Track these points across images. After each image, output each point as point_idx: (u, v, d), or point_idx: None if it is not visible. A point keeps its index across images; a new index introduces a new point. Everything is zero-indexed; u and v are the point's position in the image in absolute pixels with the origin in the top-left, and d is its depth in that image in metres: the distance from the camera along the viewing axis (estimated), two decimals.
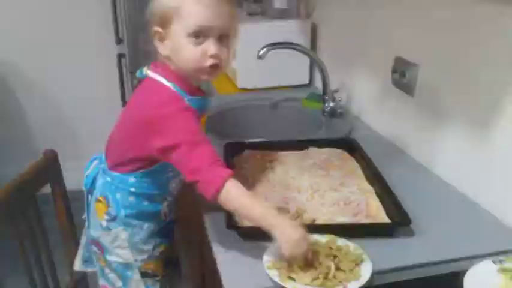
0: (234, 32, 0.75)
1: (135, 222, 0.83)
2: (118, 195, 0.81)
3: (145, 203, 0.82)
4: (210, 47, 0.71)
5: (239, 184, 0.68)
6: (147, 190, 0.81)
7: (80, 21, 2.11)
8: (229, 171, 0.68)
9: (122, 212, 0.82)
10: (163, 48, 0.74)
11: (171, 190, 0.85)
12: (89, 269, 0.95)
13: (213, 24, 0.70)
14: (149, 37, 0.76)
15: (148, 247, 0.85)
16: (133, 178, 0.80)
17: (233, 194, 0.67)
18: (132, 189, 0.81)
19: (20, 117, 2.23)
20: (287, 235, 0.63)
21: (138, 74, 0.79)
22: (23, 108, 2.23)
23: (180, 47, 0.72)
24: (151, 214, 0.84)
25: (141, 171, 0.79)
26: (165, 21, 0.72)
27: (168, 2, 0.71)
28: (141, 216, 0.83)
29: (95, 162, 0.87)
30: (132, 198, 0.81)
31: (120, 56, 2.03)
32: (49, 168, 1.02)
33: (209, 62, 0.72)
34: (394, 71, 1.05)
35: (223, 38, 0.73)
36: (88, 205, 0.87)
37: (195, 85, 0.78)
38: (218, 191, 0.66)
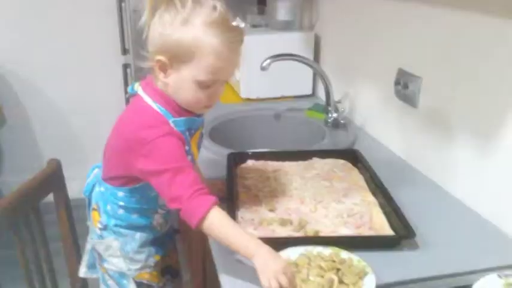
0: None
1: (125, 232, 0.83)
2: (108, 207, 0.82)
3: (134, 216, 0.82)
4: (215, 93, 0.73)
5: (222, 212, 0.67)
6: (136, 205, 0.81)
7: (87, 32, 2.14)
8: (212, 199, 0.67)
9: (112, 222, 0.82)
10: (163, 76, 0.72)
11: (161, 204, 0.83)
12: (94, 275, 0.94)
13: (226, 75, 0.72)
14: (148, 55, 0.73)
15: (141, 257, 0.84)
16: (122, 192, 0.80)
17: (216, 223, 0.66)
18: (121, 203, 0.81)
19: (25, 126, 2.25)
20: (267, 265, 0.61)
21: (129, 89, 0.78)
22: (28, 117, 2.25)
23: (185, 87, 0.71)
24: (142, 226, 0.84)
25: (129, 186, 0.79)
26: (176, 58, 0.69)
27: (187, 41, 0.67)
28: (132, 227, 0.83)
29: (96, 170, 0.88)
30: (121, 211, 0.82)
31: (126, 67, 2.05)
32: (52, 177, 1.02)
33: (208, 103, 0.74)
34: (396, 83, 1.05)
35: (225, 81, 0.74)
36: (89, 212, 0.88)
37: (183, 106, 0.76)
38: (201, 220, 0.65)
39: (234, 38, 0.69)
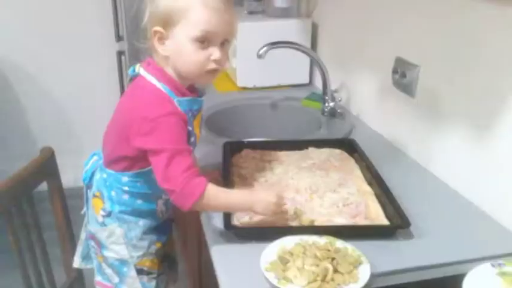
0: (233, 37, 0.76)
1: (130, 218, 0.83)
2: (113, 193, 0.82)
3: (139, 201, 0.83)
4: (215, 52, 0.72)
5: (213, 186, 0.71)
6: (140, 189, 0.81)
7: (81, 18, 2.10)
8: (203, 179, 0.70)
9: (116, 209, 0.82)
10: (163, 49, 0.73)
11: None
12: (88, 266, 0.95)
13: (219, 30, 0.71)
14: (147, 36, 0.75)
15: (144, 244, 0.85)
16: (126, 177, 0.80)
17: (211, 198, 0.70)
18: (125, 188, 0.81)
19: (18, 113, 2.22)
20: (266, 202, 0.72)
21: (130, 71, 0.78)
22: (21, 104, 2.22)
23: (184, 50, 0.71)
24: (146, 212, 0.84)
25: (133, 171, 0.79)
26: (168, 23, 0.71)
27: (174, 3, 0.70)
28: (136, 213, 0.83)
29: (95, 158, 0.87)
30: (125, 197, 0.82)
31: (120, 54, 2.03)
32: (46, 165, 1.01)
33: (211, 66, 0.73)
34: (394, 72, 1.04)
35: (224, 43, 0.74)
36: (87, 200, 0.88)
37: (186, 86, 0.77)
38: (197, 200, 0.69)
39: None
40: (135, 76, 0.77)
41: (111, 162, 0.81)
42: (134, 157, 0.77)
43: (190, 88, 0.79)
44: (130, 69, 0.78)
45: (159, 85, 0.74)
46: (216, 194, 0.71)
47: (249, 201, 0.72)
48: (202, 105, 0.81)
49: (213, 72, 0.74)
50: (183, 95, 0.75)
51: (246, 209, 0.73)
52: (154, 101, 0.72)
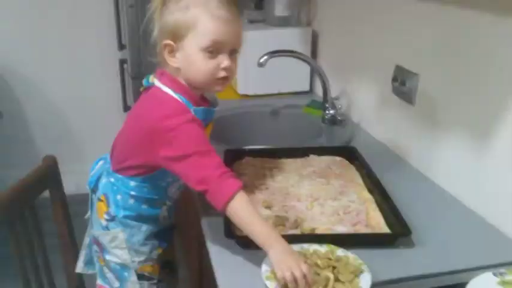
0: (240, 47, 0.78)
1: (133, 223, 0.84)
2: (118, 197, 0.83)
3: (144, 206, 0.84)
4: (224, 60, 0.74)
5: (247, 198, 0.69)
6: (147, 194, 0.83)
7: (84, 27, 2.12)
8: (239, 182, 0.69)
9: (121, 213, 0.83)
10: (174, 61, 0.76)
11: (170, 195, 0.86)
12: (90, 272, 0.95)
13: (227, 39, 0.74)
14: (157, 49, 0.77)
15: (146, 249, 0.86)
16: (133, 182, 0.81)
17: (242, 207, 0.68)
18: (132, 193, 0.82)
19: (21, 121, 2.23)
20: (282, 259, 0.62)
21: (144, 82, 0.80)
22: (24, 112, 2.23)
23: (194, 60, 0.74)
24: (150, 217, 0.85)
25: (141, 176, 0.80)
26: (178, 35, 0.73)
27: (183, 16, 0.73)
28: (140, 218, 0.84)
29: (101, 163, 0.89)
30: (131, 201, 0.83)
31: (122, 62, 2.04)
32: (48, 174, 1.01)
33: (221, 74, 0.75)
34: (394, 80, 1.05)
35: (233, 53, 0.76)
36: (92, 204, 0.89)
37: (200, 96, 0.80)
38: (228, 201, 0.68)
39: (224, 1, 0.74)
40: (149, 86, 0.79)
41: (121, 167, 0.82)
42: (146, 165, 0.78)
43: (202, 98, 0.81)
44: (145, 80, 0.81)
45: (175, 96, 0.76)
46: (246, 207, 0.68)
47: (271, 242, 0.64)
48: (213, 115, 0.83)
49: (223, 80, 0.76)
50: (198, 105, 0.78)
51: (263, 244, 0.65)
52: (172, 111, 0.74)
